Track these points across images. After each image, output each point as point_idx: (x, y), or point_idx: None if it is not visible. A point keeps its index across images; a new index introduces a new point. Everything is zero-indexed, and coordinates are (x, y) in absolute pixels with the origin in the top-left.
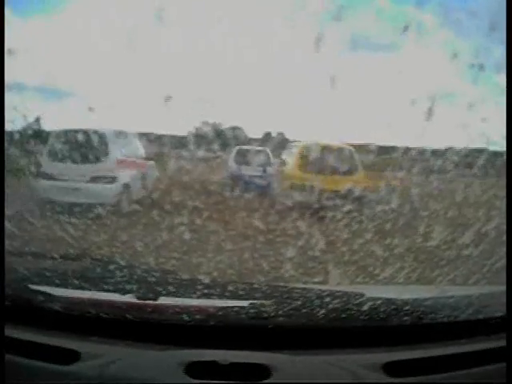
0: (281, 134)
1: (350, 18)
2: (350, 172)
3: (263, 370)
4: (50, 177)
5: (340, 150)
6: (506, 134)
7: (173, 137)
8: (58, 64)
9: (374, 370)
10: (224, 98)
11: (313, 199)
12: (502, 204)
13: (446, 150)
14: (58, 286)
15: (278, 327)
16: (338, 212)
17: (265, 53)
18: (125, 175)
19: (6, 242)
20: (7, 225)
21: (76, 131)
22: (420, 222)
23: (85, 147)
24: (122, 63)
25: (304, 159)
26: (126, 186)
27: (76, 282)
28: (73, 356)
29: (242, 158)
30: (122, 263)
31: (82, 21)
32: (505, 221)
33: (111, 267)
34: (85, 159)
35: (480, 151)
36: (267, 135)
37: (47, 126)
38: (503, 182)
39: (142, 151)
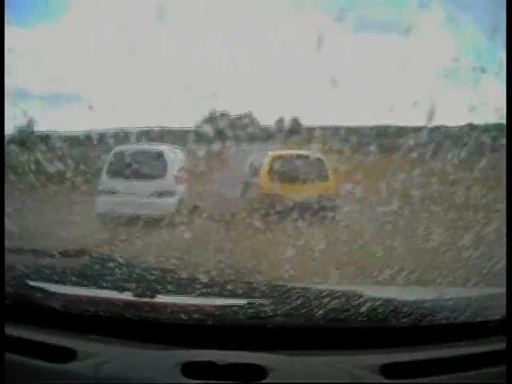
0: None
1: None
2: (319, 180)
3: (260, 371)
4: (113, 192)
5: (309, 158)
6: (506, 134)
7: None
8: (62, 69)
9: (372, 371)
10: (231, 92)
11: (279, 208)
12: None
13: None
14: (56, 283)
15: (276, 327)
16: (304, 220)
17: (265, 47)
18: (180, 189)
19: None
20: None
21: (139, 151)
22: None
23: (148, 165)
24: (124, 63)
25: (273, 168)
26: (181, 200)
27: (74, 279)
28: (69, 354)
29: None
30: (121, 261)
31: (83, 27)
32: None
33: (110, 265)
34: (149, 176)
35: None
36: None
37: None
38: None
39: (185, 165)
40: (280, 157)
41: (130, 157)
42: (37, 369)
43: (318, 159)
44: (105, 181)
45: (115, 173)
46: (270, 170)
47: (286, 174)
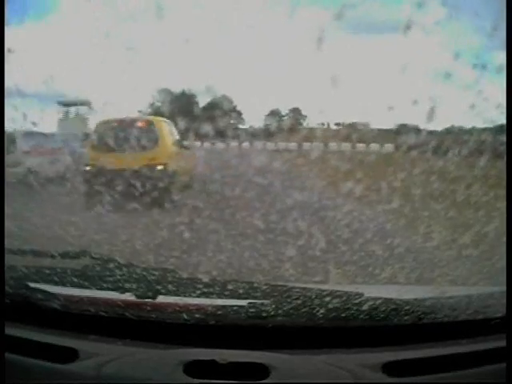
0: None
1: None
2: (146, 148)
3: (262, 370)
4: None
5: (136, 122)
6: (506, 134)
7: None
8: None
9: (374, 369)
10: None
11: (102, 181)
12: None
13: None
14: (57, 284)
15: (277, 326)
16: (130, 192)
17: (262, 45)
18: (29, 161)
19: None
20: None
21: None
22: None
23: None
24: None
25: (98, 138)
26: (29, 169)
27: (75, 280)
28: (71, 354)
29: None
30: (122, 261)
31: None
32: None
33: (110, 265)
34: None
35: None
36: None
37: None
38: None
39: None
40: (106, 123)
41: None
42: (39, 369)
43: (148, 123)
44: None
45: None
46: (95, 140)
47: (110, 143)
